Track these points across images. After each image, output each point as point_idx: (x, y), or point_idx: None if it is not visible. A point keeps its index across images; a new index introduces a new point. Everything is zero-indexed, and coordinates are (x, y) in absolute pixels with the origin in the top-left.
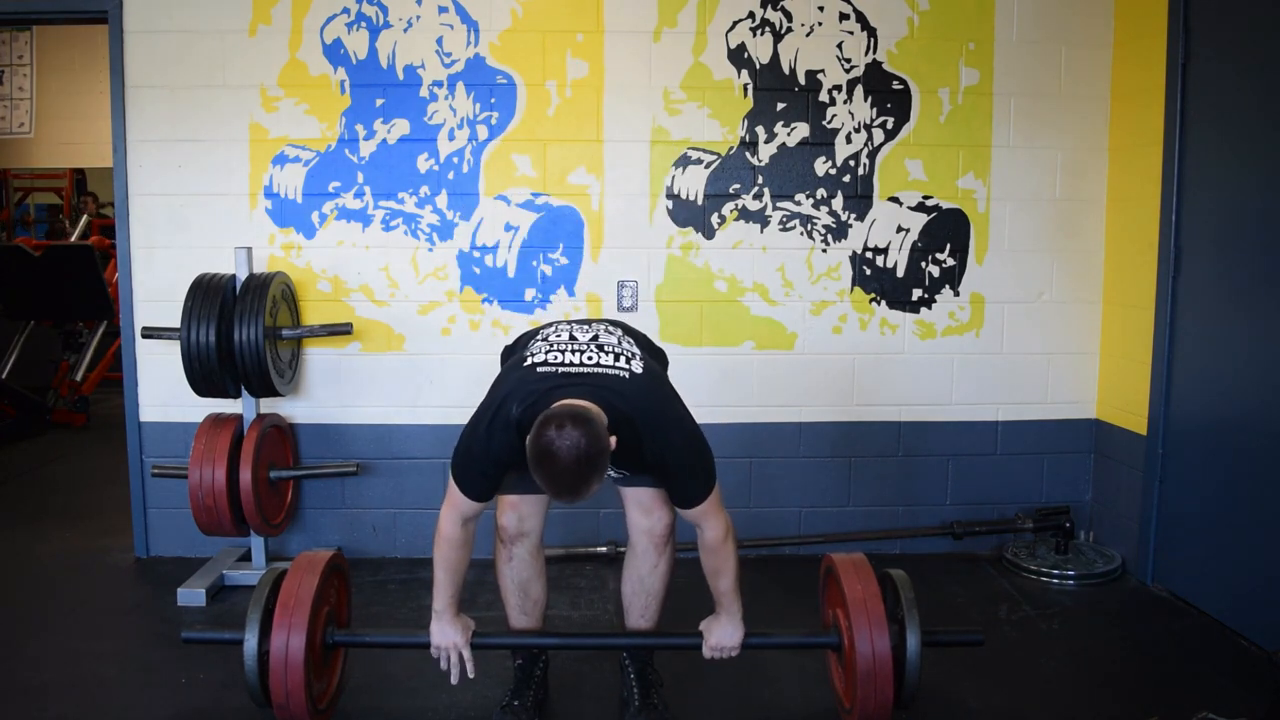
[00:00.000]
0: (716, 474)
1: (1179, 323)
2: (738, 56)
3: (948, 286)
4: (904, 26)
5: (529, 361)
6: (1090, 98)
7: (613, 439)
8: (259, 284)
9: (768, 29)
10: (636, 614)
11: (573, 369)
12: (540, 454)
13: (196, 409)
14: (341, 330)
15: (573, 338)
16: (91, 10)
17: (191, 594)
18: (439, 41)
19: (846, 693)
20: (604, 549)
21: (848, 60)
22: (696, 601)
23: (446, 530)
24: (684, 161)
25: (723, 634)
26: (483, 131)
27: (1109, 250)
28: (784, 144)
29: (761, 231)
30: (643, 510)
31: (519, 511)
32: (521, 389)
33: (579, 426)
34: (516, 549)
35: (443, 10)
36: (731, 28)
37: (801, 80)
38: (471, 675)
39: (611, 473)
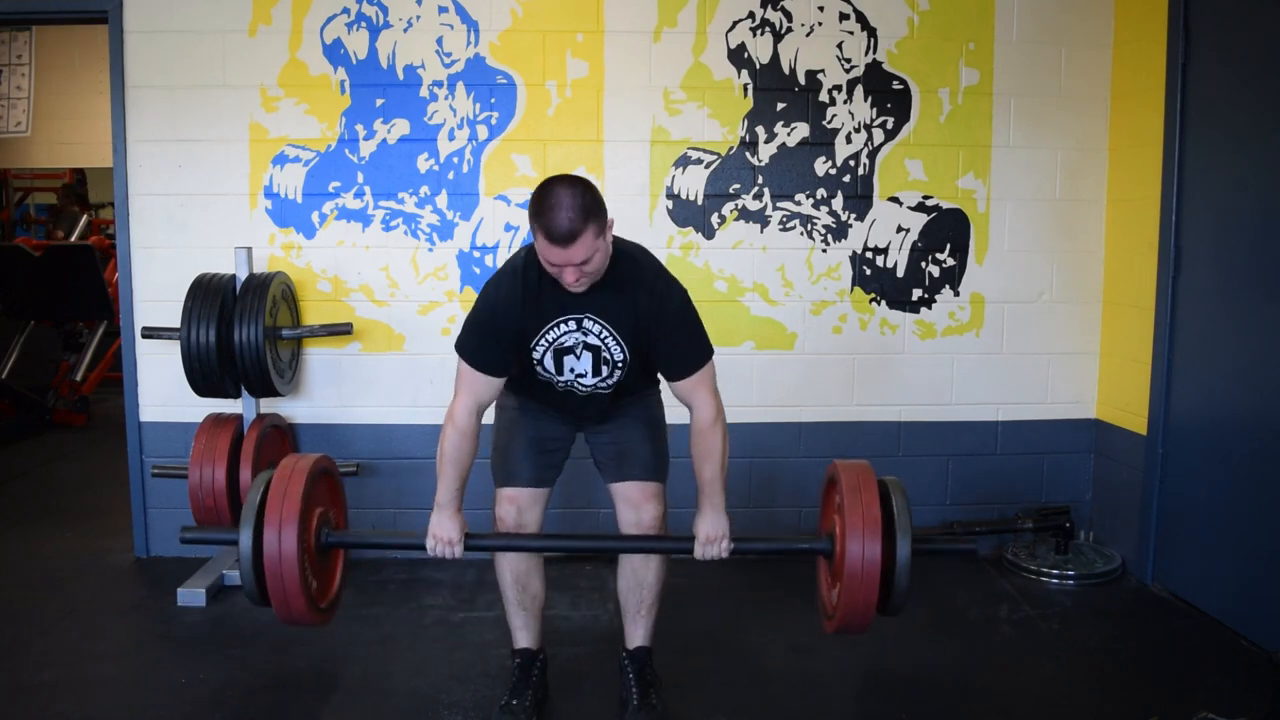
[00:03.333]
0: (713, 351)
1: (1179, 323)
2: (738, 56)
3: (948, 286)
4: (904, 26)
5: None
6: (1090, 98)
7: (611, 219)
8: (259, 284)
9: (768, 29)
10: (633, 609)
11: None
12: (542, 194)
13: (196, 409)
14: (341, 330)
15: None
16: (91, 10)
17: (191, 594)
18: (439, 41)
19: (831, 601)
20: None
21: (848, 60)
22: (695, 600)
23: (458, 419)
24: (684, 161)
25: (710, 526)
26: (483, 131)
27: (1109, 250)
28: (784, 144)
29: (761, 231)
30: (631, 505)
31: (517, 504)
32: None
33: (581, 181)
34: None
35: (443, 10)
36: (731, 28)
37: (801, 80)
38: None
39: (610, 343)
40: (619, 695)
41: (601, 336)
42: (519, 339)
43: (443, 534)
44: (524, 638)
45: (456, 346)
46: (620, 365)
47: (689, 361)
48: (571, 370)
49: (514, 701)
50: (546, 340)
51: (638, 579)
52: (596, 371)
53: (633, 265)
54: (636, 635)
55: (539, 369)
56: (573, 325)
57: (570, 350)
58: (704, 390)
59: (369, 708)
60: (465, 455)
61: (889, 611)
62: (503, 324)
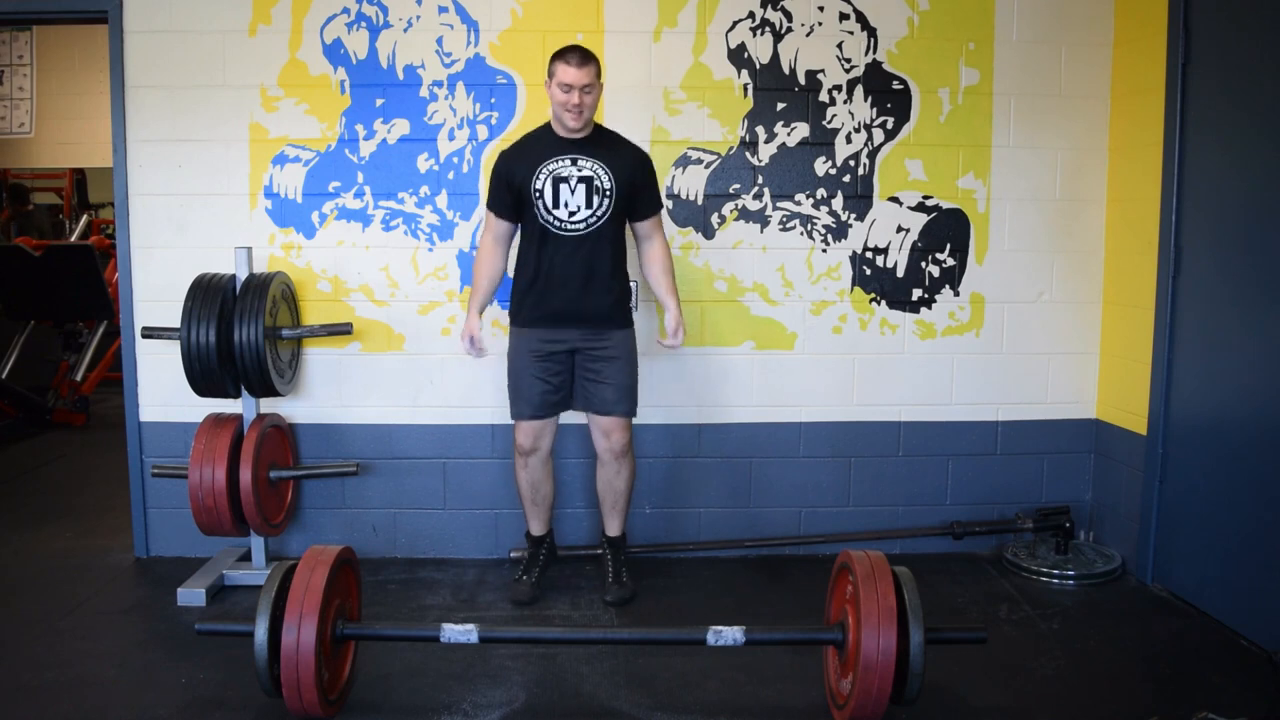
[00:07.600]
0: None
1: (1179, 323)
2: (738, 56)
3: (948, 286)
4: (904, 26)
5: None
6: (1090, 98)
7: (603, 84)
8: (259, 284)
9: (768, 29)
10: (609, 506)
11: None
12: (562, 47)
13: (196, 409)
14: (341, 330)
15: None
16: (91, 10)
17: (191, 594)
18: (439, 41)
19: (842, 690)
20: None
21: (848, 60)
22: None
23: (484, 245)
24: (684, 161)
25: (676, 319)
26: (483, 131)
27: (1109, 250)
28: (784, 144)
29: (761, 231)
30: (604, 433)
31: (534, 430)
32: None
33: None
34: (530, 459)
35: (443, 10)
36: (731, 28)
37: (801, 80)
38: (484, 356)
39: (600, 172)
40: (603, 579)
41: (593, 169)
42: (525, 181)
43: (465, 330)
44: (536, 526)
45: (486, 203)
46: (609, 194)
47: (654, 205)
48: (566, 205)
49: (524, 576)
50: (547, 170)
51: (611, 486)
52: (589, 203)
53: (615, 134)
54: (612, 526)
55: (541, 208)
56: (568, 162)
57: (565, 180)
58: (659, 228)
59: (369, 707)
60: (492, 269)
61: (902, 701)
62: (512, 167)
